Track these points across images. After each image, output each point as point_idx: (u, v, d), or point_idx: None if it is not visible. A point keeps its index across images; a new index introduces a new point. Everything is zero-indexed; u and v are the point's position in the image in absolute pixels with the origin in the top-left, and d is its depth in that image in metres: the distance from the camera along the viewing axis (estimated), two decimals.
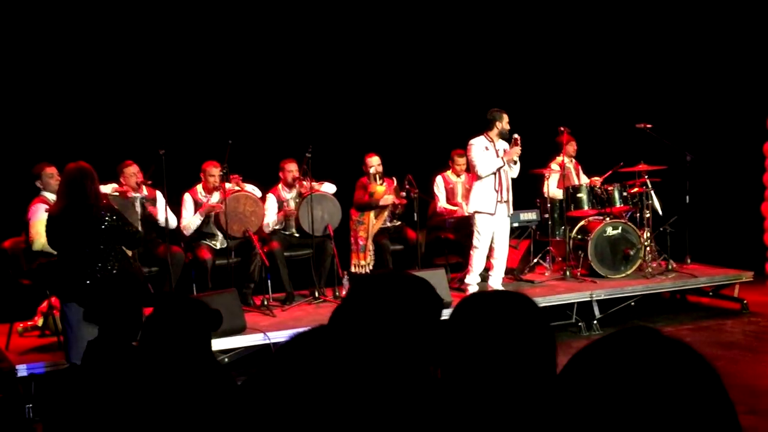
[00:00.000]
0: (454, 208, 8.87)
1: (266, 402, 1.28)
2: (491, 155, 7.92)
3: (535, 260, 9.13)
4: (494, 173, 7.89)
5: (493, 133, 7.98)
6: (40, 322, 7.27)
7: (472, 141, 8.00)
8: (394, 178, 8.64)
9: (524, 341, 1.66)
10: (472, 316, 1.70)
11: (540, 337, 1.70)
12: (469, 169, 8.27)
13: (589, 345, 1.10)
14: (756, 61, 10.69)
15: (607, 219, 8.81)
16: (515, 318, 1.69)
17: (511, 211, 8.13)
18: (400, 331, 1.78)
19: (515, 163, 7.99)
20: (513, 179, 8.11)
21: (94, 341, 2.86)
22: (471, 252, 8.07)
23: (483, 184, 7.95)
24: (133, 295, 3.00)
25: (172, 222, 7.76)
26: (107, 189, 7.14)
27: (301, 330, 1.40)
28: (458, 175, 8.95)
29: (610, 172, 9.12)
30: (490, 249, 8.08)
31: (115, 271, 5.63)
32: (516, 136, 7.94)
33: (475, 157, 7.94)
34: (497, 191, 7.92)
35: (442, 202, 8.93)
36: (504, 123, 7.97)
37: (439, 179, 8.99)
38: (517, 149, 7.91)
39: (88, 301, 3.05)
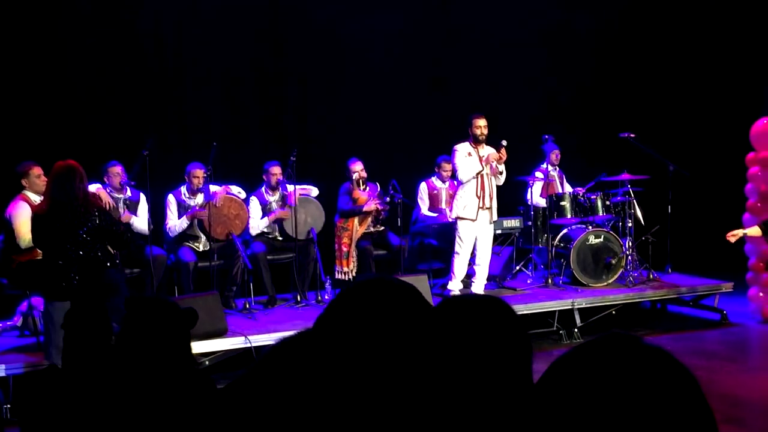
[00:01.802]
0: (434, 214, 8.90)
1: (252, 405, 1.28)
2: (473, 161, 7.93)
3: (518, 267, 9.15)
4: (475, 179, 7.89)
5: (474, 139, 7.99)
6: (19, 322, 7.21)
7: (456, 146, 8.04)
8: (378, 184, 8.64)
9: (499, 346, 1.66)
10: (448, 320, 1.70)
11: (515, 342, 1.70)
12: (453, 174, 8.29)
13: (569, 351, 1.10)
14: (739, 71, 10.78)
15: (590, 228, 8.85)
16: (491, 322, 1.69)
17: (495, 219, 8.13)
18: (385, 337, 1.78)
19: (501, 173, 7.99)
20: (498, 187, 8.11)
21: (73, 340, 2.84)
22: (453, 258, 8.09)
23: (465, 190, 7.96)
24: (120, 294, 2.99)
25: (143, 226, 7.65)
26: (91, 189, 7.10)
27: (286, 334, 1.40)
28: (444, 181, 8.96)
29: (593, 183, 9.15)
30: (473, 255, 8.10)
31: (100, 271, 5.61)
32: (503, 142, 7.95)
33: (457, 162, 7.98)
34: (479, 197, 7.92)
35: (424, 210, 8.95)
36: (474, 128, 7.96)
37: (422, 186, 8.99)
38: (496, 154, 7.88)
39: (74, 300, 3.03)
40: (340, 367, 1.32)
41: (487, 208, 7.97)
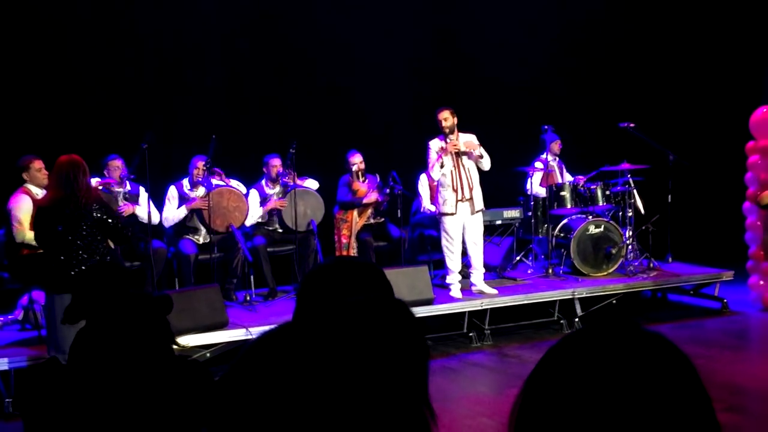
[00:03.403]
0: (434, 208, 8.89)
1: (234, 405, 1.29)
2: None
3: (518, 258, 9.16)
4: (451, 173, 7.78)
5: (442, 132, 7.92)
6: (21, 315, 7.23)
7: (429, 143, 7.94)
8: (377, 175, 8.63)
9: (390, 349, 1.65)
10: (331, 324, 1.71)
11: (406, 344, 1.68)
12: None
13: (566, 336, 1.10)
14: (739, 61, 10.77)
15: (590, 217, 8.85)
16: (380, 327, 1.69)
17: (479, 208, 7.96)
18: (347, 317, 1.80)
19: (481, 157, 7.83)
20: (482, 172, 7.97)
21: (82, 332, 2.84)
22: (444, 254, 8.05)
23: (443, 185, 7.89)
24: (121, 286, 2.98)
25: (155, 218, 7.71)
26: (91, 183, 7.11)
27: (267, 329, 1.40)
28: None
29: (594, 173, 9.13)
30: (465, 248, 8.07)
31: (100, 262, 5.63)
32: (450, 138, 7.81)
33: (429, 160, 7.92)
34: (455, 191, 7.84)
35: (426, 202, 8.89)
36: (438, 122, 7.85)
37: (423, 177, 8.96)
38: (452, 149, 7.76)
39: (75, 292, 3.02)
40: (314, 357, 1.33)
41: (467, 200, 7.86)
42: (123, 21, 8.83)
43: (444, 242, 8.00)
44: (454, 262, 7.98)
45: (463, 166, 7.86)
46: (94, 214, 5.63)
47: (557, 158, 9.46)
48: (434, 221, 8.68)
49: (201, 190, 7.95)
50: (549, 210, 8.91)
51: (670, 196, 9.12)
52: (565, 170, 9.59)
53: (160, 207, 7.97)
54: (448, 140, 7.83)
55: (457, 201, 7.84)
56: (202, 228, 7.97)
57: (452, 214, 7.86)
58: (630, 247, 8.88)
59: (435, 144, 7.91)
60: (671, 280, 8.71)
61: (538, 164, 9.20)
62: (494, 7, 10.53)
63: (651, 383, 1.00)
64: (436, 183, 8.14)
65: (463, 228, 7.94)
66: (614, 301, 8.46)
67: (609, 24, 11.02)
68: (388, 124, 9.81)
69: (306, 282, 2.00)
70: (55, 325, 5.64)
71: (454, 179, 7.83)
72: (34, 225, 5.86)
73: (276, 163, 8.31)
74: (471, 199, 7.89)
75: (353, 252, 8.51)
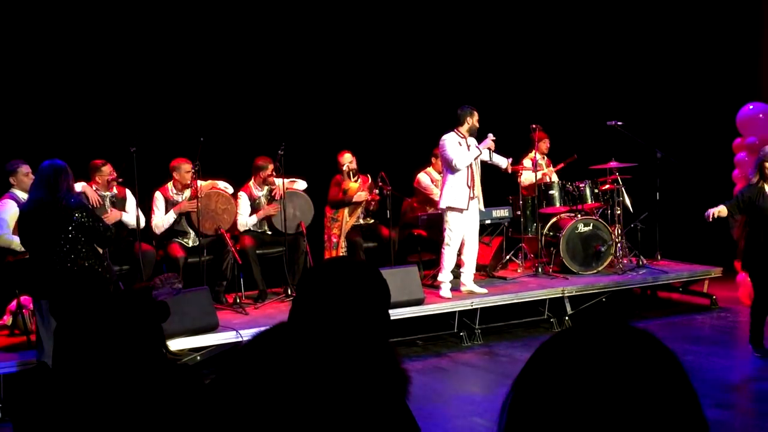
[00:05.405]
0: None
1: (230, 405, 1.28)
2: (464, 149, 7.88)
3: (508, 257, 9.17)
4: (466, 168, 7.84)
5: (464, 129, 7.90)
6: (9, 321, 7.19)
7: (445, 137, 7.91)
8: (369, 175, 8.63)
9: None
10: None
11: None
12: (443, 165, 8.21)
13: (554, 335, 1.10)
14: (726, 58, 10.81)
15: (579, 216, 8.87)
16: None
17: (481, 206, 8.10)
18: (350, 317, 1.80)
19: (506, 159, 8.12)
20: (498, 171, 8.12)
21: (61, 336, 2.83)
22: (442, 249, 8.02)
23: (455, 180, 7.86)
24: (95, 292, 2.97)
25: (132, 221, 7.61)
26: (77, 187, 7.07)
27: (262, 329, 1.40)
28: (440, 172, 8.91)
29: (562, 164, 9.17)
30: (461, 246, 8.08)
31: (82, 268, 5.60)
32: (490, 136, 7.99)
33: (451, 152, 7.82)
34: (469, 187, 7.88)
35: (436, 196, 8.70)
36: (474, 120, 7.91)
37: (424, 176, 8.92)
38: (491, 143, 7.98)
39: (55, 294, 3.00)
40: (314, 355, 1.32)
41: (476, 197, 7.95)
42: (109, 25, 8.79)
43: (446, 237, 7.96)
44: (450, 257, 7.95)
45: (476, 163, 7.95)
46: (76, 216, 5.61)
47: (545, 157, 9.48)
48: (424, 221, 8.68)
49: (188, 193, 7.92)
50: (538, 208, 8.93)
51: (658, 194, 9.15)
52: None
53: (148, 212, 7.93)
54: (471, 139, 7.96)
55: (469, 198, 7.85)
56: (191, 231, 7.95)
57: (463, 209, 7.85)
58: (619, 244, 8.91)
59: (452, 138, 7.88)
60: (660, 277, 8.74)
61: (527, 162, 9.21)
62: (483, 6, 10.54)
63: (638, 380, 1.00)
64: (436, 181, 8.19)
65: (465, 227, 7.95)
66: (604, 299, 8.49)
67: (597, 22, 11.03)
68: (377, 124, 9.79)
69: (303, 282, 2.00)
70: (43, 329, 5.62)
71: (467, 176, 7.85)
72: (18, 230, 5.84)
73: (263, 165, 8.29)
74: (478, 197, 8.00)
75: (342, 252, 8.51)
